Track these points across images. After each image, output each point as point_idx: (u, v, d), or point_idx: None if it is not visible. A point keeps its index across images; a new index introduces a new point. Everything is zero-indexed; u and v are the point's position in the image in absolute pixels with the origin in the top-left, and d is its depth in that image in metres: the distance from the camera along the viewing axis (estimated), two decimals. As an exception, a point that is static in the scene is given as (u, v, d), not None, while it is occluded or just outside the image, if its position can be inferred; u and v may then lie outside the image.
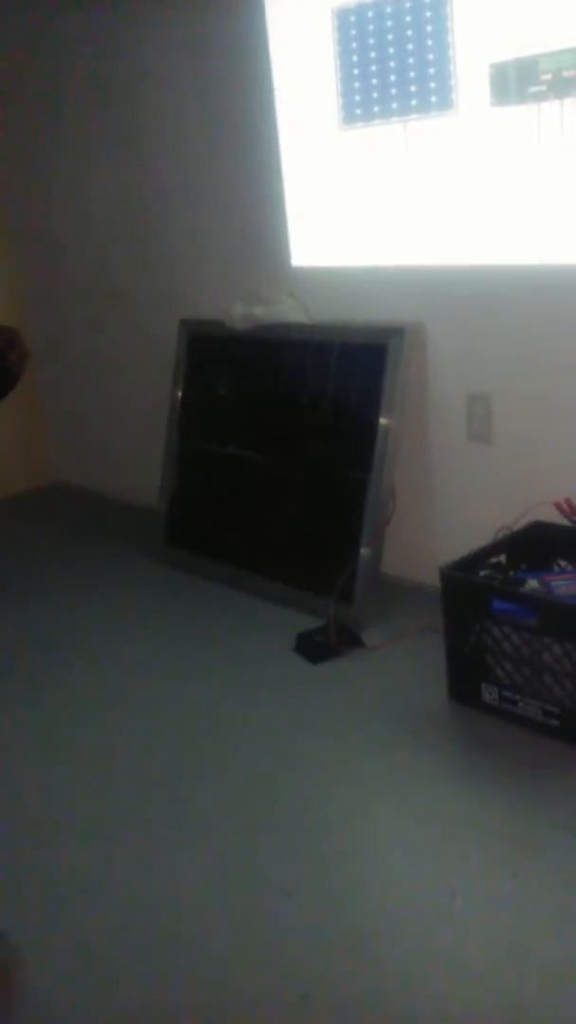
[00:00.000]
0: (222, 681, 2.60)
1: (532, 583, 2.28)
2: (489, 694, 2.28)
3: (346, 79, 2.77)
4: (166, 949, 1.71)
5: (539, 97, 2.35)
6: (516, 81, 2.39)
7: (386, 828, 1.99)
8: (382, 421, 2.80)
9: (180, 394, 3.47)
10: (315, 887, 1.83)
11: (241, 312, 3.16)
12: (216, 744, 2.32)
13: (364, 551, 2.81)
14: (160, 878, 1.89)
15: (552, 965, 1.59)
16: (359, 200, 2.85)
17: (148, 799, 2.14)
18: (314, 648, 2.67)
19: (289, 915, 1.76)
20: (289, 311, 3.08)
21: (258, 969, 1.66)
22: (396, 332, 2.79)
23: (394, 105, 2.67)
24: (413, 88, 2.61)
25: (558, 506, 2.43)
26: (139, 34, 3.29)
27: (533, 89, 2.36)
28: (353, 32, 2.71)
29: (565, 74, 2.30)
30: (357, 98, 2.76)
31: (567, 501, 2.42)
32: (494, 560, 2.40)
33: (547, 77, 2.33)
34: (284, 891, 1.81)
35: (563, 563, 2.41)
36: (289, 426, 3.10)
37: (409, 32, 2.58)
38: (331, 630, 2.68)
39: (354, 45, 2.72)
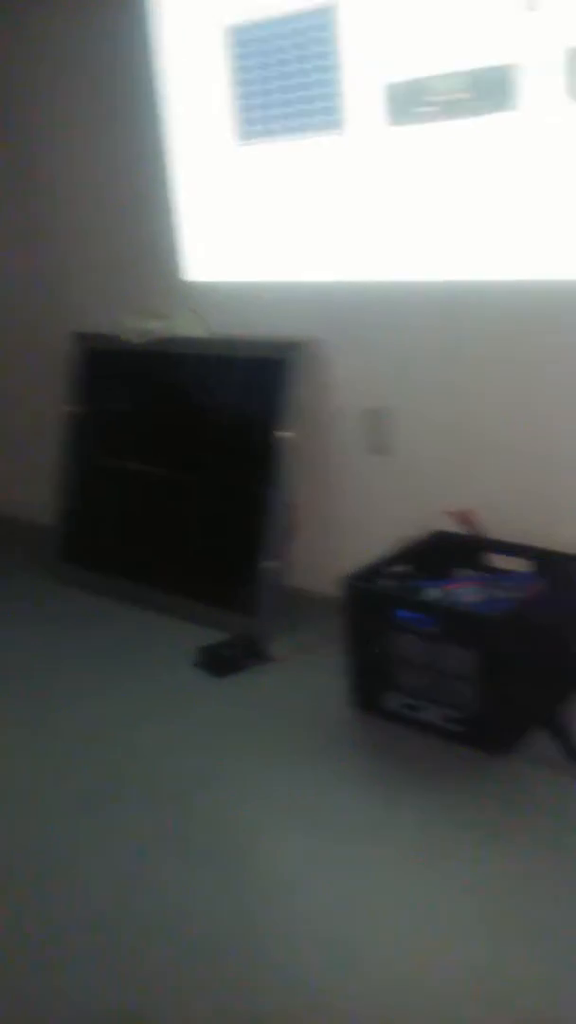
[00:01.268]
0: (123, 699, 2.56)
1: (433, 591, 2.33)
2: (392, 702, 2.30)
3: (239, 96, 2.78)
4: (66, 969, 1.66)
5: (430, 118, 2.42)
6: (409, 101, 2.44)
7: (291, 839, 1.98)
8: (282, 435, 2.81)
9: (75, 408, 3.41)
10: (220, 902, 1.80)
11: (136, 326, 3.14)
12: (117, 762, 2.28)
13: (267, 564, 2.81)
14: (58, 900, 1.84)
15: (461, 965, 1.61)
16: (255, 216, 2.86)
17: (47, 818, 2.09)
18: (218, 662, 2.65)
19: (192, 931, 1.73)
20: (186, 325, 3.07)
21: (164, 989, 1.62)
22: (294, 347, 2.81)
23: (289, 123, 2.69)
24: (307, 107, 2.65)
25: (456, 515, 2.48)
26: (27, 44, 3.24)
27: (425, 109, 2.42)
28: (246, 50, 2.73)
29: (456, 95, 2.36)
30: (251, 115, 2.78)
31: (465, 510, 2.48)
32: (395, 570, 2.43)
33: (439, 98, 2.39)
34: (186, 909, 1.78)
35: (463, 571, 2.47)
36: (189, 440, 3.09)
37: (302, 52, 2.61)
38: (235, 644, 2.67)
39: (246, 63, 2.74)
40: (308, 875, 1.88)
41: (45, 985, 1.66)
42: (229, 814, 2.07)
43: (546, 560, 2.35)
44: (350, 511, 2.91)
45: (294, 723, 2.37)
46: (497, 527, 2.49)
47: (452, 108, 2.37)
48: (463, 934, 1.69)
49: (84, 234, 3.37)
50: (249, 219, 2.88)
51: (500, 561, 2.45)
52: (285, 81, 2.66)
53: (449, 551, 2.49)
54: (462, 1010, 1.54)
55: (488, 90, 2.29)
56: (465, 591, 2.31)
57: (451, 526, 2.51)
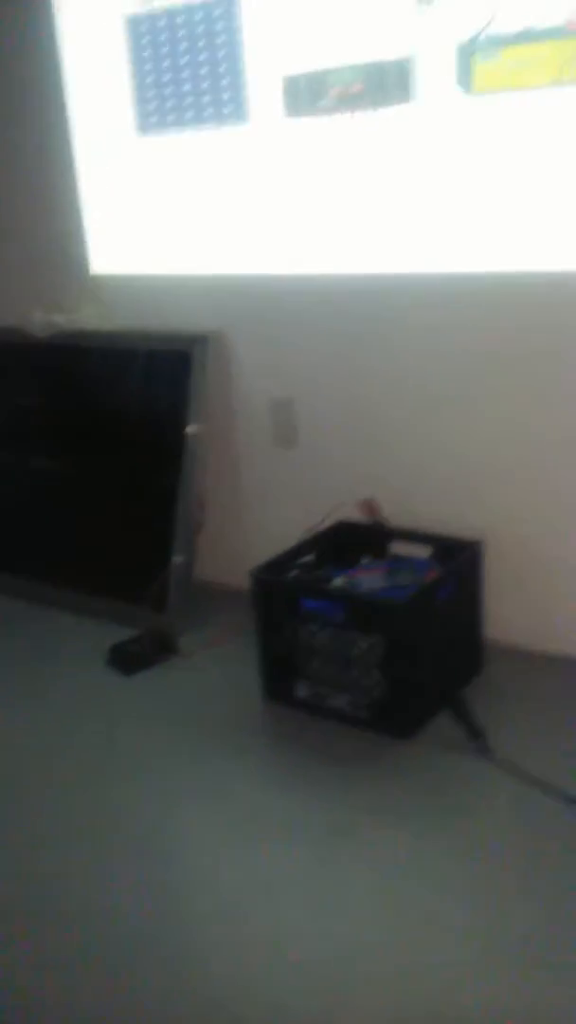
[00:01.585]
0: (30, 702, 2.51)
1: (338, 580, 2.35)
2: (302, 690, 2.32)
3: (140, 87, 2.76)
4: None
5: (329, 111, 2.43)
6: (307, 94, 2.46)
7: (204, 831, 1.98)
8: (189, 428, 2.80)
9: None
10: (134, 899, 1.79)
11: (41, 319, 3.09)
12: (26, 766, 2.25)
13: (176, 558, 2.80)
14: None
15: (372, 948, 1.63)
16: (159, 208, 2.85)
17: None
18: (128, 659, 2.63)
19: (109, 931, 1.72)
20: (91, 319, 3.04)
21: (75, 990, 1.61)
22: (199, 340, 2.80)
23: (189, 114, 2.69)
24: (207, 98, 2.64)
25: (359, 505, 2.51)
26: None
27: (323, 103, 2.44)
28: (145, 40, 2.71)
29: (353, 88, 2.39)
30: (152, 106, 2.76)
31: (368, 500, 2.51)
32: (302, 560, 2.45)
33: (336, 91, 2.41)
34: (102, 909, 1.77)
35: (367, 560, 2.50)
36: (95, 435, 3.06)
37: (201, 43, 2.60)
38: (144, 640, 2.65)
39: (146, 53, 2.72)
40: (215, 863, 1.88)
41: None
42: (139, 807, 2.06)
43: (446, 546, 2.39)
44: (257, 503, 2.92)
45: (204, 716, 2.37)
46: (399, 515, 2.52)
47: (348, 101, 2.39)
48: (363, 917, 1.71)
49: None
50: (153, 211, 2.86)
51: (402, 548, 2.48)
52: (186, 72, 2.65)
53: (353, 540, 2.52)
54: (357, 992, 1.55)
55: (383, 83, 2.31)
56: (369, 579, 2.34)
57: (355, 515, 2.53)
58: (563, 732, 2.17)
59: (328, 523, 2.54)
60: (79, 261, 3.06)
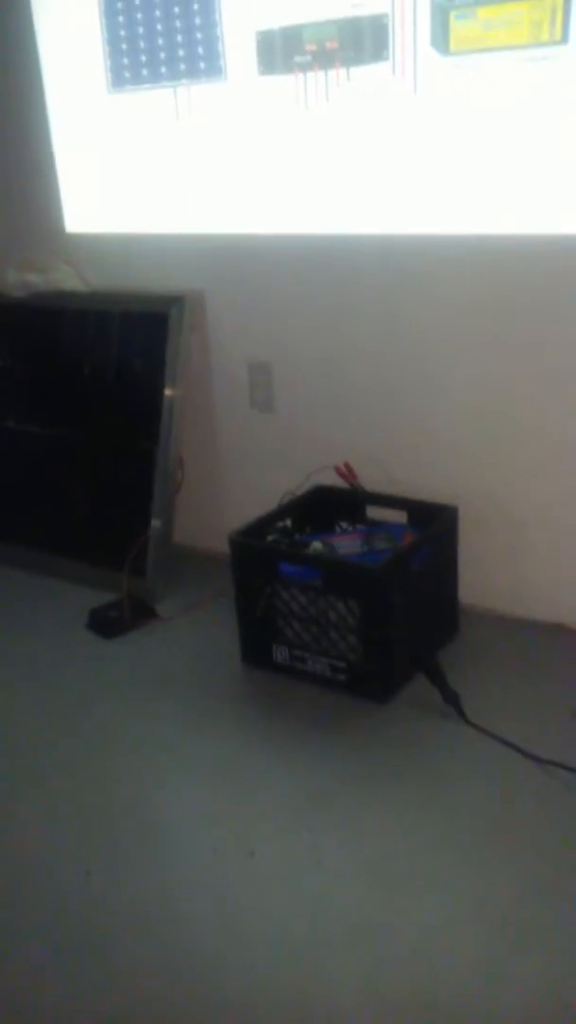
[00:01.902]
0: (7, 666, 2.53)
1: (316, 545, 2.36)
2: (280, 655, 2.34)
3: (112, 41, 2.69)
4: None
5: (304, 67, 2.39)
6: (282, 50, 2.41)
7: (182, 794, 2.01)
8: (166, 391, 2.78)
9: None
10: (115, 861, 1.83)
11: (14, 279, 3.05)
12: (6, 726, 2.27)
13: (155, 522, 2.80)
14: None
15: (349, 912, 1.67)
16: (134, 166, 2.80)
17: None
18: (107, 623, 2.64)
19: (90, 892, 1.75)
20: (65, 279, 3.00)
21: (61, 953, 1.64)
22: (176, 301, 2.77)
23: (163, 70, 2.63)
24: (182, 53, 2.58)
25: (337, 470, 2.51)
26: None
27: (298, 59, 2.39)
28: (118, -8, 2.64)
29: (328, 45, 2.34)
30: (125, 61, 2.69)
31: (346, 465, 2.51)
32: (280, 524, 2.46)
33: (311, 47, 2.36)
34: (84, 869, 1.80)
35: (344, 524, 2.51)
36: (71, 398, 3.03)
37: (174, -5, 2.54)
38: (124, 604, 2.66)
39: (119, 6, 2.65)
40: (196, 826, 1.91)
41: None
42: (120, 770, 2.08)
43: (422, 511, 2.40)
44: (235, 467, 2.92)
45: (182, 680, 2.40)
46: (375, 480, 2.53)
47: (324, 57, 2.34)
48: (339, 879, 1.74)
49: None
50: (128, 169, 2.81)
51: (379, 513, 2.50)
52: (160, 26, 2.59)
53: (330, 505, 2.53)
54: (333, 954, 1.59)
55: (359, 40, 2.27)
56: (346, 544, 2.35)
57: (334, 480, 2.54)
58: (535, 694, 2.21)
59: (305, 488, 2.54)
60: (54, 220, 3.01)
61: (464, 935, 1.60)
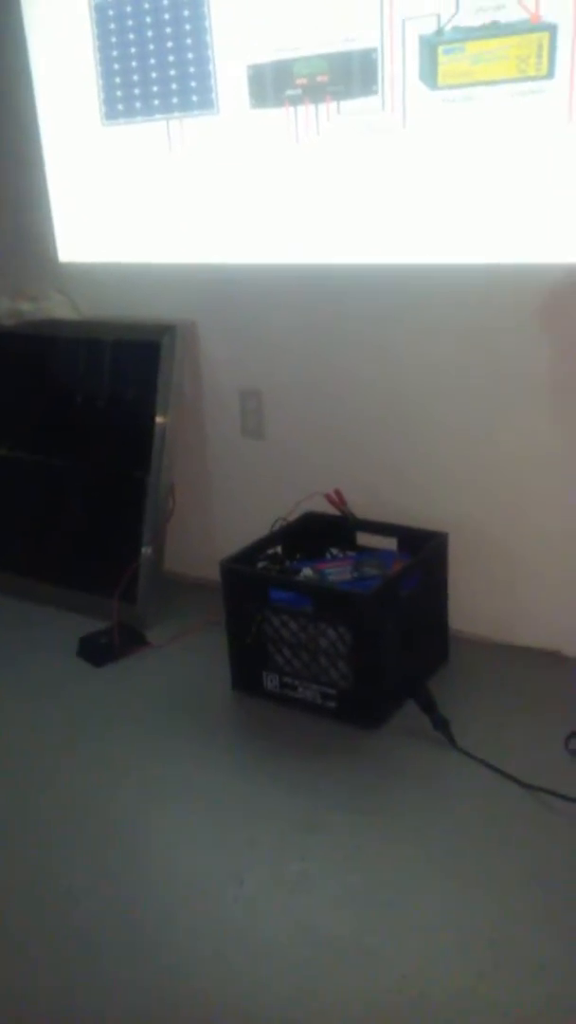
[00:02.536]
0: (2, 692, 2.52)
1: (306, 571, 2.36)
2: (270, 681, 2.33)
3: (106, 75, 2.74)
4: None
5: (295, 100, 2.43)
6: (273, 84, 2.45)
7: (172, 822, 2.00)
8: (158, 419, 2.80)
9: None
10: (104, 887, 1.81)
11: (6, 307, 3.07)
12: (-4, 755, 2.26)
13: (145, 549, 2.80)
14: None
15: (338, 941, 1.65)
16: (127, 197, 2.83)
17: None
18: (97, 651, 2.63)
19: (77, 919, 1.74)
20: (58, 307, 3.03)
21: (46, 976, 1.62)
22: (168, 330, 2.80)
23: (156, 103, 2.67)
24: (174, 87, 2.62)
25: (328, 497, 2.52)
26: None
27: (289, 92, 2.43)
28: (112, 27, 2.68)
29: (319, 79, 2.38)
30: (118, 94, 2.74)
31: (336, 492, 2.52)
32: (271, 551, 2.46)
33: (302, 81, 2.40)
34: (71, 896, 1.79)
35: (334, 551, 2.52)
36: (63, 425, 3.04)
37: (168, 30, 2.58)
38: (114, 631, 2.66)
39: (113, 40, 2.70)
40: (186, 853, 1.90)
41: None
42: (110, 798, 2.07)
43: (412, 538, 2.41)
44: (226, 494, 2.93)
45: (174, 707, 2.39)
46: (366, 507, 2.54)
47: (314, 91, 2.38)
48: (330, 906, 1.73)
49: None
50: (122, 200, 2.85)
51: (369, 540, 2.50)
52: (153, 60, 2.63)
53: (321, 531, 2.54)
54: (322, 982, 1.58)
55: (348, 74, 2.31)
56: (336, 570, 2.36)
57: (322, 507, 2.55)
58: (526, 721, 2.20)
59: (296, 514, 2.55)
60: (47, 249, 3.04)
61: (455, 961, 1.59)
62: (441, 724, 2.14)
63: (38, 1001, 1.59)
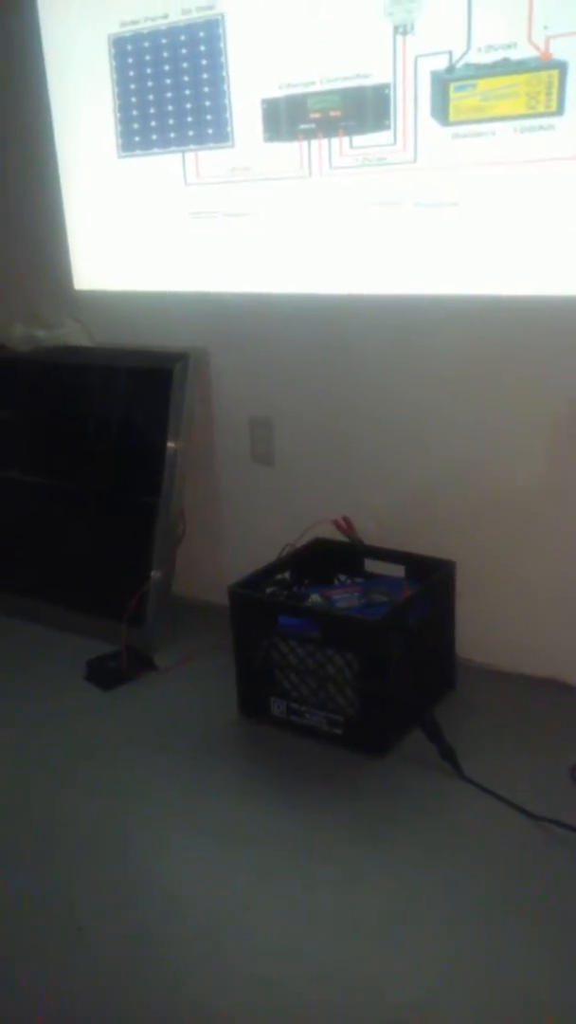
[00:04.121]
0: (9, 714, 2.53)
1: (314, 597, 2.37)
2: (277, 707, 2.34)
3: (123, 108, 2.79)
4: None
5: (308, 134, 2.47)
6: (287, 118, 2.49)
7: (177, 846, 2.00)
8: (169, 445, 2.82)
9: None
10: (109, 916, 1.81)
11: (21, 334, 3.11)
12: (3, 777, 2.25)
13: (155, 574, 2.82)
14: None
15: (339, 971, 1.65)
16: (141, 227, 2.88)
17: None
18: (105, 674, 2.64)
19: (83, 948, 1.73)
20: (72, 334, 3.06)
21: (54, 1005, 1.62)
22: (180, 357, 2.83)
23: (172, 135, 2.72)
24: (190, 119, 2.67)
25: (336, 523, 2.54)
26: None
27: (303, 126, 2.48)
28: (130, 61, 2.74)
29: (332, 113, 2.42)
30: (135, 127, 2.79)
31: (344, 519, 2.54)
32: (279, 577, 2.47)
33: (316, 115, 2.45)
34: (77, 925, 1.78)
35: (342, 577, 2.53)
36: (76, 450, 3.07)
37: (185, 65, 2.64)
38: (122, 655, 2.67)
39: (131, 74, 2.75)
40: (190, 878, 1.90)
41: None
42: (115, 822, 2.07)
43: (420, 566, 2.42)
44: (235, 520, 2.95)
45: (179, 731, 2.39)
46: (374, 534, 2.55)
47: (327, 125, 2.43)
48: (332, 934, 1.72)
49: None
50: (136, 229, 2.89)
51: (377, 567, 2.51)
52: (170, 93, 2.68)
53: (329, 557, 2.55)
54: (321, 1012, 1.57)
55: (361, 109, 2.35)
56: (344, 596, 2.36)
57: (331, 533, 2.56)
58: (532, 751, 2.20)
59: (304, 540, 2.57)
60: (62, 277, 3.09)
61: (456, 995, 1.58)
62: (447, 753, 2.14)
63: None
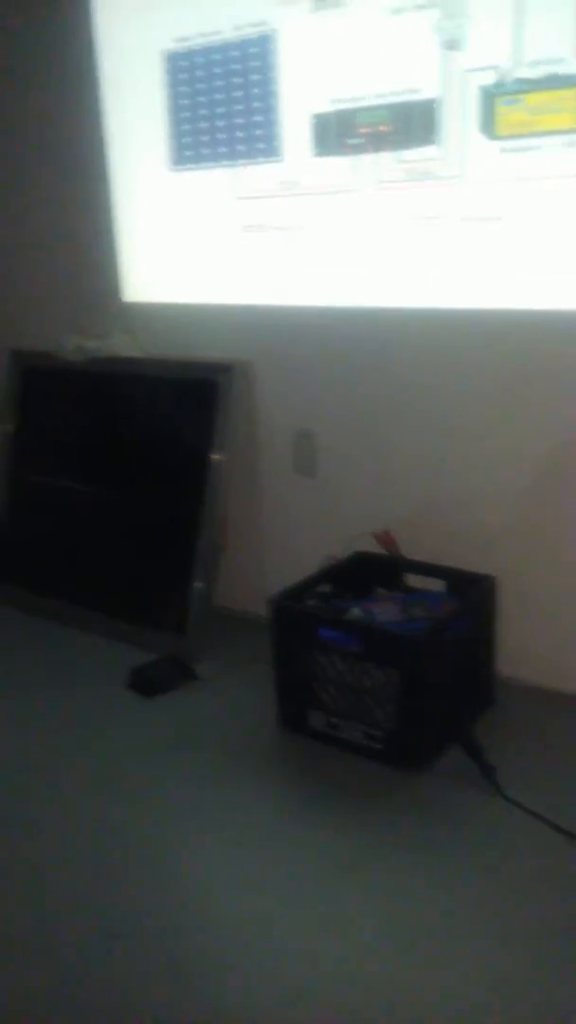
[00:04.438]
0: (54, 719, 2.56)
1: (355, 611, 2.37)
2: (316, 720, 2.34)
3: (175, 122, 2.83)
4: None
5: (357, 149, 2.48)
6: (336, 133, 2.51)
7: (213, 857, 2.00)
8: (213, 456, 2.85)
9: (10, 426, 3.42)
10: (143, 924, 1.82)
11: (73, 345, 3.16)
12: (46, 784, 2.28)
13: (197, 584, 2.84)
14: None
15: (375, 986, 1.64)
16: (190, 240, 2.91)
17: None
18: (147, 682, 2.66)
19: (116, 956, 1.74)
20: (121, 346, 3.10)
21: (81, 1013, 1.63)
22: (226, 369, 2.85)
23: (222, 150, 2.75)
24: (241, 135, 2.70)
25: (377, 537, 2.53)
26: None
27: (352, 141, 2.49)
28: (183, 76, 2.77)
29: (381, 128, 2.43)
30: (186, 141, 2.82)
31: (385, 532, 2.53)
32: (320, 589, 2.48)
33: (365, 130, 2.46)
34: (110, 933, 1.80)
35: (383, 591, 2.52)
36: (122, 460, 3.11)
37: (237, 80, 2.66)
38: (164, 664, 2.69)
39: (184, 89, 2.79)
40: (225, 887, 1.90)
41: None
42: (153, 830, 2.08)
43: (461, 581, 2.41)
44: (277, 531, 2.95)
45: (218, 742, 2.40)
46: (415, 548, 2.54)
47: (376, 140, 2.43)
48: (375, 951, 1.72)
49: (24, 252, 3.38)
50: (185, 243, 2.92)
51: (418, 581, 2.50)
52: (221, 109, 2.71)
53: (370, 571, 2.55)
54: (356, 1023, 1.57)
55: (410, 124, 2.36)
56: (384, 611, 2.36)
57: (372, 547, 2.56)
58: (572, 769, 2.17)
59: (346, 553, 2.57)
60: (112, 289, 3.13)
61: (492, 1015, 1.56)
62: (487, 770, 2.12)
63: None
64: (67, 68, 3.02)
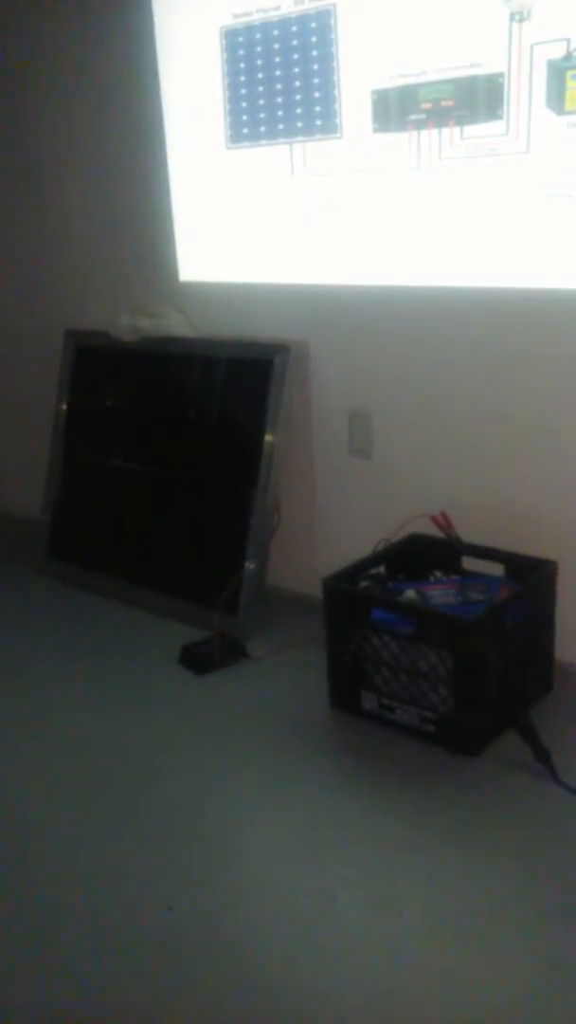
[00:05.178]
0: (106, 695, 2.59)
1: (409, 593, 2.35)
2: (368, 702, 2.33)
3: (233, 99, 2.81)
4: (46, 968, 1.69)
5: (419, 125, 2.44)
6: (397, 108, 2.47)
7: (266, 835, 2.01)
8: (267, 436, 2.84)
9: (65, 405, 3.44)
10: (197, 898, 1.83)
11: (127, 324, 3.17)
12: (100, 757, 2.31)
13: (249, 563, 2.84)
14: (40, 893, 1.87)
15: (427, 967, 1.64)
16: (246, 218, 2.89)
17: (25, 816, 2.11)
18: (199, 660, 2.68)
19: (171, 928, 1.76)
20: (176, 325, 3.10)
21: (141, 985, 1.65)
22: (281, 349, 2.84)
23: (280, 127, 2.72)
24: (299, 111, 2.67)
25: (433, 519, 2.51)
26: (27, 47, 3.27)
27: (413, 116, 2.45)
28: (241, 52, 2.75)
29: (444, 103, 2.39)
30: (244, 118, 2.80)
31: (443, 514, 2.51)
32: (374, 571, 2.46)
33: (427, 105, 2.42)
34: (166, 905, 1.81)
35: (438, 573, 2.50)
36: (176, 439, 3.12)
37: (296, 56, 2.64)
38: (216, 642, 2.70)
39: (242, 66, 2.77)
40: (276, 865, 1.91)
41: (41, 966, 1.69)
42: (202, 806, 2.10)
43: (520, 565, 2.38)
44: (331, 512, 2.94)
45: (271, 721, 2.40)
46: (471, 530, 2.51)
47: (439, 115, 2.39)
48: (426, 932, 1.71)
49: (79, 232, 3.40)
50: (241, 221, 2.91)
51: (475, 565, 2.48)
52: (280, 85, 2.68)
53: (425, 553, 2.52)
54: (409, 1008, 1.56)
55: (474, 99, 2.31)
56: (439, 593, 2.34)
57: (428, 529, 2.53)
58: (632, 758, 2.14)
59: (401, 535, 2.55)
60: (168, 268, 3.13)
61: (544, 1000, 1.55)
62: (543, 755, 2.10)
63: (127, 1010, 1.61)
64: (125, 46, 3.01)
